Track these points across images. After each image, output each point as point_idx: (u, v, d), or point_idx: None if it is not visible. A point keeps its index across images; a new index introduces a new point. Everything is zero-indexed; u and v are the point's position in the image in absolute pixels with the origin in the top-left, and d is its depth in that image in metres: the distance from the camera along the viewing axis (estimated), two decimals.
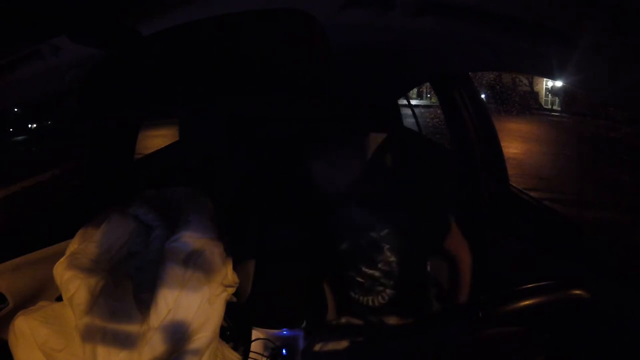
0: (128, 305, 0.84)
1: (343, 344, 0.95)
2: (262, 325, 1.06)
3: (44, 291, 0.94)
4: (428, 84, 2.20)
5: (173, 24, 0.48)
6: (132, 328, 0.81)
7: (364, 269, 1.01)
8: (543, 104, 14.62)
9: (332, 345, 0.95)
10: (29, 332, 0.77)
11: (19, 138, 7.52)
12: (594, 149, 7.46)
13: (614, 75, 0.57)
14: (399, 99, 2.28)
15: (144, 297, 0.86)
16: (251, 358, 1.00)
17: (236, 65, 0.43)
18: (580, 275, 0.96)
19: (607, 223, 3.69)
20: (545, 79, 11.25)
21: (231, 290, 0.97)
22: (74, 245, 0.95)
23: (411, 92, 6.69)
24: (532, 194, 1.48)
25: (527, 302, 0.60)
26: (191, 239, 0.92)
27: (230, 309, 0.99)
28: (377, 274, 1.00)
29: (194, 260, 0.88)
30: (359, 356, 0.93)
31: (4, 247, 0.91)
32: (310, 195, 1.13)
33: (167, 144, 2.27)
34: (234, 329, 1.07)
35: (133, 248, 0.97)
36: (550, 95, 14.43)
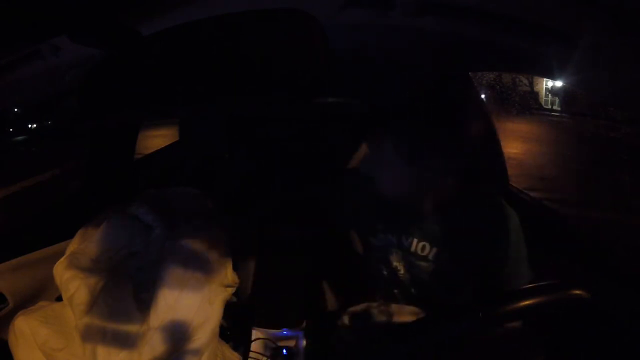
0: (128, 305, 0.84)
1: (346, 344, 0.94)
2: (262, 325, 1.06)
3: (44, 291, 0.94)
4: None
5: (173, 24, 0.48)
6: (132, 328, 0.81)
7: (390, 268, 0.96)
8: (543, 104, 14.58)
9: (334, 345, 0.95)
10: (29, 332, 0.76)
11: (19, 138, 7.51)
12: (594, 149, 7.45)
13: (614, 75, 0.57)
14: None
15: (144, 297, 0.86)
16: (251, 358, 1.00)
17: (236, 65, 0.43)
18: (580, 275, 0.96)
19: (607, 223, 3.69)
20: (545, 79, 11.25)
21: (231, 290, 0.97)
22: (74, 245, 0.95)
23: None
24: (532, 194, 1.48)
25: (527, 302, 0.60)
26: (191, 239, 0.92)
27: (230, 309, 0.99)
28: (403, 274, 0.95)
29: (194, 260, 0.88)
30: (361, 356, 0.93)
31: (4, 247, 0.91)
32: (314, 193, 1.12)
33: (167, 144, 2.27)
34: (234, 329, 1.07)
35: (133, 248, 0.97)
36: (550, 95, 14.40)
